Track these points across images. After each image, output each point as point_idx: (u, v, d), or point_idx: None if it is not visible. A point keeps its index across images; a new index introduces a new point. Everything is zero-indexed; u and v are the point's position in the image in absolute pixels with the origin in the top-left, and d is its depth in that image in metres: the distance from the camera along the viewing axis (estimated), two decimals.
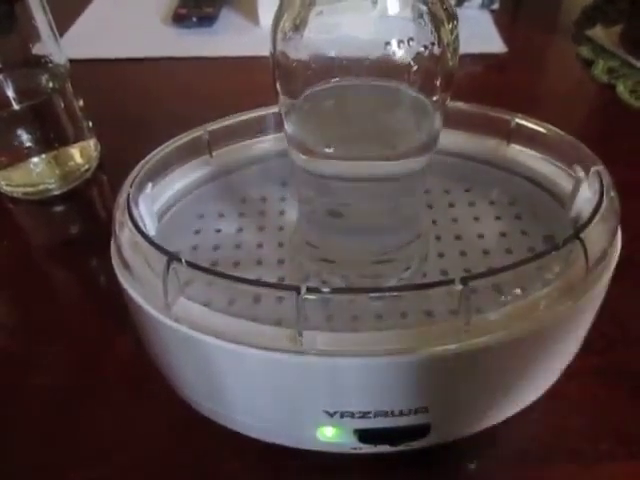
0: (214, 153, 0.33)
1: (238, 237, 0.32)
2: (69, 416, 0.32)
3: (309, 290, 0.22)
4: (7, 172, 0.46)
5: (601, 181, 0.27)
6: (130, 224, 0.26)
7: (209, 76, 0.63)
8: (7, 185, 0.47)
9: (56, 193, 0.47)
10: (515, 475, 0.30)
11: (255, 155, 0.34)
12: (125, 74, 0.64)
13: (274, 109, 0.32)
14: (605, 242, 0.25)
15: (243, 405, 0.27)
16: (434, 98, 0.24)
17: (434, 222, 0.32)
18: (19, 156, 0.46)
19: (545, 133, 0.31)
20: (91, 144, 0.49)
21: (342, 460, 0.29)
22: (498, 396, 0.27)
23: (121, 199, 0.28)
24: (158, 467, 0.30)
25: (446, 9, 0.22)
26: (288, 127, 0.26)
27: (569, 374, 0.29)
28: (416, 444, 0.27)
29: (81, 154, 0.48)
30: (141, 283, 0.25)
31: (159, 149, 0.31)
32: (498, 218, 0.32)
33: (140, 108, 0.58)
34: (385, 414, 0.25)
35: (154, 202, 0.30)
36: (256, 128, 0.34)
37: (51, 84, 0.46)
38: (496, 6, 0.72)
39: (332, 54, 0.22)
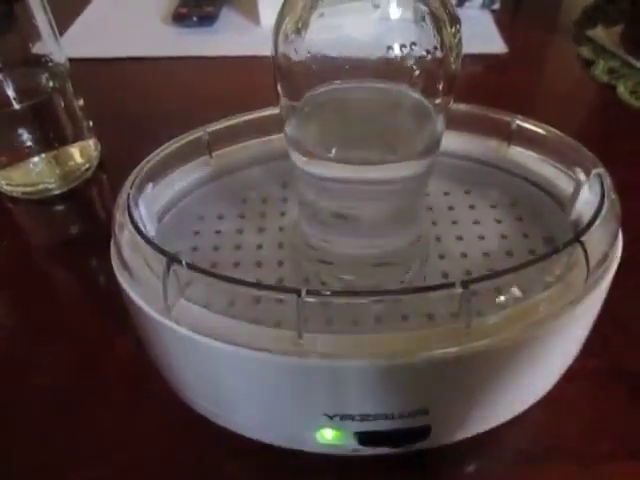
0: (214, 154, 0.33)
1: (238, 238, 0.32)
2: (69, 416, 0.32)
3: (309, 293, 0.22)
4: (7, 171, 0.46)
5: (602, 184, 0.27)
6: (130, 225, 0.26)
7: (209, 76, 0.63)
8: (7, 185, 0.46)
9: (56, 193, 0.47)
10: (515, 476, 0.30)
11: (255, 156, 0.34)
12: (125, 73, 0.64)
13: (274, 110, 0.32)
14: (606, 245, 0.25)
15: (243, 407, 0.27)
16: (436, 101, 0.24)
17: (434, 223, 0.32)
18: (19, 155, 0.46)
19: (546, 135, 0.31)
20: (91, 144, 0.49)
21: (342, 461, 0.29)
22: (498, 398, 0.27)
23: (121, 200, 0.28)
24: (158, 467, 0.30)
25: (449, 12, 0.22)
26: (289, 129, 0.26)
27: (569, 375, 0.29)
28: (416, 446, 0.27)
29: (81, 154, 0.48)
30: (141, 284, 0.25)
31: (159, 150, 0.31)
32: (498, 220, 0.32)
33: (140, 107, 0.58)
34: (385, 417, 0.25)
35: (154, 203, 0.30)
36: (256, 129, 0.34)
37: (51, 83, 0.45)
38: (497, 6, 0.72)
39: (333, 56, 0.22)
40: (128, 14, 0.75)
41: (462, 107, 0.32)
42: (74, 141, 0.48)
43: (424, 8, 0.22)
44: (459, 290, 0.22)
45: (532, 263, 0.23)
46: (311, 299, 0.22)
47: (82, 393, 0.33)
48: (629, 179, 0.29)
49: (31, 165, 0.46)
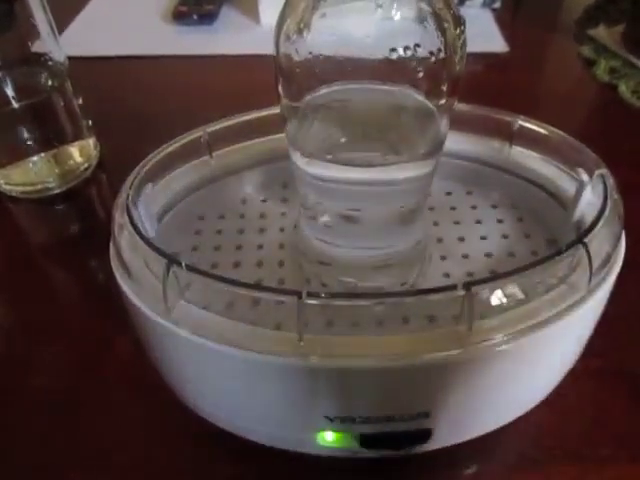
0: (214, 154, 0.33)
1: (238, 238, 0.32)
2: (69, 416, 0.32)
3: (310, 295, 0.22)
4: (6, 171, 0.46)
5: (605, 184, 0.27)
6: (129, 226, 0.26)
7: (209, 74, 0.63)
8: (6, 184, 0.46)
9: (55, 192, 0.47)
10: (516, 479, 0.29)
11: (256, 156, 0.34)
12: (125, 72, 0.64)
13: (275, 109, 0.32)
14: (609, 246, 0.25)
15: (243, 409, 0.27)
16: (440, 103, 0.24)
17: (436, 224, 0.32)
18: (18, 155, 0.45)
19: (548, 135, 0.31)
20: (90, 143, 0.49)
21: (342, 463, 0.29)
22: (500, 401, 0.26)
23: (120, 200, 0.28)
24: (157, 468, 0.30)
25: (453, 13, 0.22)
26: (290, 130, 0.26)
27: (570, 376, 0.29)
28: (417, 449, 0.27)
29: (80, 153, 0.48)
30: (140, 286, 0.25)
31: (159, 150, 0.31)
32: (500, 220, 0.32)
33: (140, 106, 0.58)
34: (386, 419, 0.25)
35: (154, 203, 0.30)
36: (257, 129, 0.33)
37: (50, 82, 0.45)
38: (498, 5, 0.72)
39: (335, 57, 0.22)
40: (128, 12, 0.75)
41: (463, 107, 0.32)
42: (73, 140, 0.47)
43: (427, 8, 0.22)
44: (461, 292, 0.22)
45: (535, 265, 0.23)
46: (312, 301, 0.22)
47: (82, 393, 0.33)
48: (630, 179, 0.29)
49: (30, 164, 0.46)
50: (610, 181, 0.27)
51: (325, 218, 0.28)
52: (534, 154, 0.32)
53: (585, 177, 0.28)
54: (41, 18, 0.43)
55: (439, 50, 0.22)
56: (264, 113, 0.33)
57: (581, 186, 0.28)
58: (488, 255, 0.30)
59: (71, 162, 0.47)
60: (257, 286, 0.24)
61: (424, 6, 0.22)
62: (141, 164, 0.30)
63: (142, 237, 0.25)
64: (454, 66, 0.23)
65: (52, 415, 0.32)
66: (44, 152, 0.46)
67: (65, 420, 0.32)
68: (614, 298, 0.26)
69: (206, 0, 0.71)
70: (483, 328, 0.23)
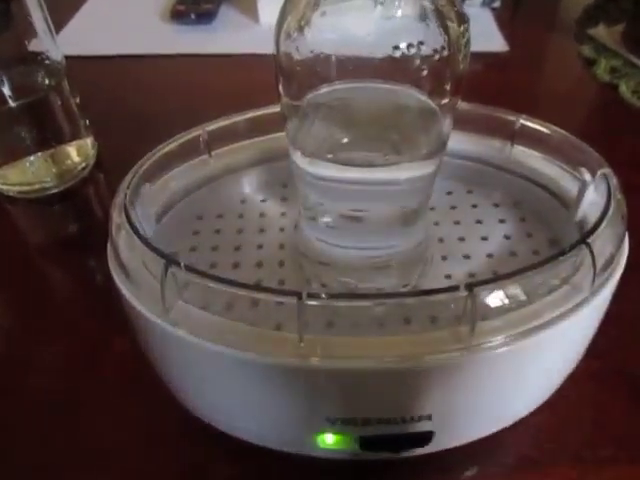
0: (213, 153, 0.33)
1: (238, 238, 0.32)
2: (68, 416, 0.32)
3: (310, 295, 0.22)
4: (3, 170, 0.45)
5: (608, 184, 0.27)
6: (127, 226, 0.26)
7: (208, 74, 0.63)
8: (3, 184, 0.46)
9: (52, 192, 0.46)
10: None
11: (255, 155, 0.34)
12: (123, 71, 0.63)
13: (274, 108, 0.32)
14: (612, 247, 0.25)
15: (242, 410, 0.27)
16: (442, 102, 0.23)
17: (437, 224, 0.32)
18: (15, 154, 0.45)
19: (550, 134, 0.31)
20: (88, 142, 0.49)
21: (342, 465, 0.29)
22: (503, 403, 0.26)
23: (118, 200, 0.28)
24: (156, 468, 0.30)
25: (456, 10, 0.22)
26: (290, 129, 0.26)
27: (571, 378, 0.29)
28: (418, 451, 0.27)
29: (78, 152, 0.48)
30: (138, 286, 0.25)
31: (157, 149, 0.31)
32: (502, 220, 0.32)
33: (138, 105, 0.57)
34: (387, 421, 0.25)
35: (152, 203, 0.30)
36: (256, 127, 0.33)
37: (47, 81, 0.45)
38: (497, 4, 0.72)
39: (337, 56, 0.22)
40: (125, 11, 0.74)
41: (464, 106, 0.31)
42: (71, 140, 0.47)
43: (430, 5, 0.21)
44: (464, 293, 0.22)
45: (538, 265, 0.23)
46: (312, 302, 0.22)
47: (81, 394, 0.33)
48: (631, 180, 0.28)
49: (27, 164, 0.45)
50: (613, 181, 0.27)
51: (326, 218, 0.27)
52: (536, 153, 0.32)
53: (588, 177, 0.28)
54: (38, 17, 0.43)
55: (442, 48, 0.22)
56: (263, 112, 0.33)
57: (584, 186, 0.28)
58: (489, 255, 0.30)
59: (68, 162, 0.47)
60: (257, 287, 0.24)
61: (426, 3, 0.22)
62: (139, 163, 0.30)
63: (140, 237, 0.25)
64: (458, 64, 0.23)
65: (52, 415, 0.32)
66: (41, 152, 0.46)
67: (65, 420, 0.32)
68: (614, 299, 0.26)
69: None
70: (485, 329, 0.23)
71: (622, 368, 0.33)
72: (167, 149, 0.31)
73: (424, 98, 0.23)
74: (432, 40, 0.21)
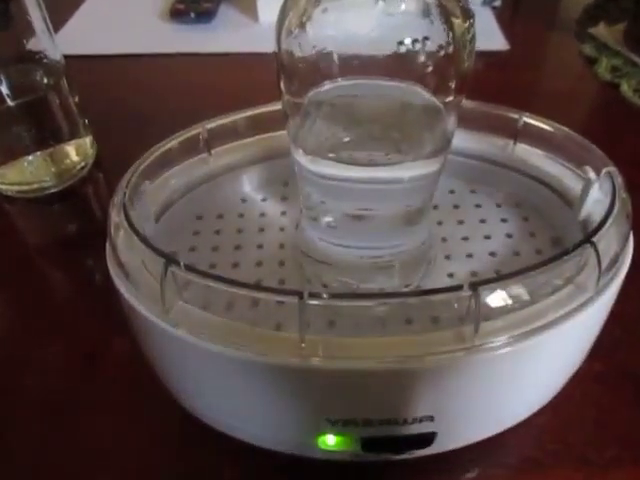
0: (213, 151, 0.33)
1: (238, 238, 0.32)
2: (68, 417, 0.32)
3: (312, 295, 0.22)
4: (1, 170, 0.45)
5: (613, 182, 0.27)
6: (126, 225, 0.26)
7: (207, 72, 0.63)
8: (1, 183, 0.46)
9: (51, 191, 0.46)
10: None
11: (255, 154, 0.34)
12: (122, 70, 0.63)
13: (275, 106, 0.32)
14: (617, 246, 0.25)
15: (242, 411, 0.26)
16: (447, 100, 0.23)
17: (439, 223, 0.32)
18: (14, 154, 0.45)
19: (554, 132, 0.30)
20: (87, 141, 0.49)
21: (342, 466, 0.29)
22: (506, 403, 0.26)
23: (117, 199, 0.27)
24: (156, 468, 0.30)
25: (461, 6, 0.22)
26: (292, 127, 0.25)
27: (574, 378, 0.28)
28: (420, 452, 0.27)
29: (77, 151, 0.48)
30: (138, 286, 0.25)
31: (156, 147, 0.30)
32: (504, 219, 0.32)
33: (137, 105, 0.57)
34: (389, 422, 0.25)
35: (151, 202, 0.30)
36: (256, 126, 0.33)
37: (46, 80, 0.45)
38: (498, 3, 0.72)
39: (338, 53, 0.22)
40: (125, 10, 0.74)
41: (467, 104, 0.31)
42: (70, 139, 0.47)
43: (433, 1, 0.21)
44: (468, 293, 0.22)
45: (543, 265, 0.23)
46: (314, 301, 0.22)
47: (80, 394, 0.33)
48: (632, 179, 0.28)
49: (26, 163, 0.45)
50: (618, 179, 0.27)
51: (328, 218, 0.27)
52: (539, 152, 0.32)
53: (592, 175, 0.28)
54: (37, 16, 0.43)
55: (447, 44, 0.21)
56: (264, 109, 0.33)
57: (588, 184, 0.28)
58: (492, 254, 0.30)
59: (67, 161, 0.47)
60: (257, 286, 0.23)
61: None
62: (138, 162, 0.30)
63: (139, 236, 0.25)
64: (462, 61, 0.22)
65: (51, 415, 0.32)
66: (40, 151, 0.45)
67: (65, 420, 0.32)
68: (618, 299, 0.26)
69: None
70: (488, 330, 0.23)
71: (626, 369, 0.33)
72: (166, 147, 0.31)
73: (428, 96, 0.23)
74: (436, 36, 0.21)
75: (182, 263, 0.23)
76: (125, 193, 0.27)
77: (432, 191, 0.27)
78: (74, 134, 0.47)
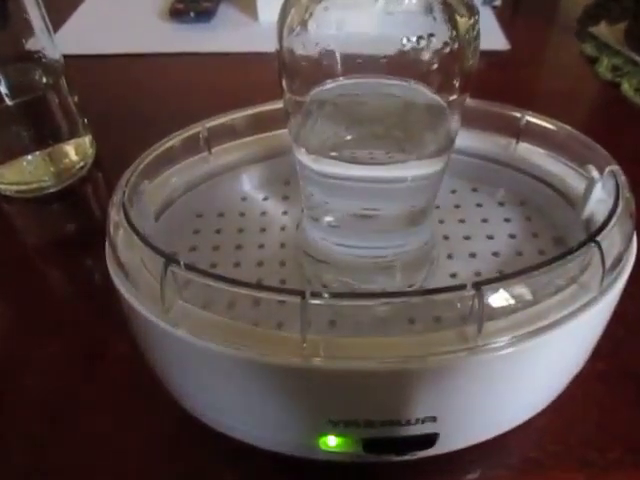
0: (213, 150, 0.33)
1: (238, 237, 0.31)
2: (68, 417, 0.32)
3: (314, 295, 0.21)
4: (0, 169, 0.45)
5: (616, 181, 0.26)
6: (126, 224, 0.26)
7: (207, 72, 0.63)
8: (0, 183, 0.46)
9: (50, 191, 0.46)
10: None
11: (256, 152, 0.33)
12: (121, 70, 0.63)
13: (276, 104, 0.32)
14: (621, 245, 0.25)
15: (243, 412, 0.26)
16: (451, 98, 0.23)
17: (441, 222, 0.32)
18: (12, 153, 0.45)
19: (556, 131, 0.30)
20: (86, 141, 0.49)
21: (342, 467, 0.29)
22: (508, 404, 0.26)
23: (116, 198, 0.27)
24: (156, 469, 0.30)
25: (465, 2, 0.22)
26: (294, 125, 0.25)
27: (576, 379, 0.28)
28: (422, 453, 0.27)
29: (76, 151, 0.47)
30: (137, 286, 0.25)
31: (156, 146, 0.30)
32: (507, 219, 0.32)
33: (137, 104, 0.57)
34: (391, 423, 0.24)
35: (151, 201, 0.29)
36: (257, 124, 0.33)
37: (45, 80, 0.45)
38: (498, 3, 0.72)
39: (341, 51, 0.21)
40: (124, 10, 0.74)
41: (469, 102, 0.31)
42: (69, 138, 0.47)
43: None
44: (471, 292, 0.22)
45: (547, 264, 0.23)
46: (315, 301, 0.22)
47: (80, 394, 0.33)
48: (634, 178, 0.28)
49: (25, 163, 0.45)
50: (622, 178, 0.27)
51: (330, 218, 0.27)
52: (541, 150, 0.31)
53: (595, 174, 0.28)
54: (35, 15, 0.43)
55: (451, 41, 0.21)
56: (264, 108, 0.32)
57: (591, 183, 0.28)
58: (495, 254, 0.30)
59: (67, 160, 0.47)
60: (259, 286, 0.23)
61: None
62: (138, 161, 0.29)
63: (139, 235, 0.25)
64: (467, 59, 0.22)
65: (51, 415, 0.32)
66: (39, 150, 0.45)
67: (64, 420, 0.31)
68: (621, 298, 0.26)
69: None
70: (491, 330, 0.22)
71: (629, 369, 0.33)
72: (166, 146, 0.30)
73: (432, 94, 0.23)
74: (440, 34, 0.21)
75: (182, 262, 0.23)
76: (125, 192, 0.27)
77: (435, 191, 0.27)
78: (73, 134, 0.47)
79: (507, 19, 0.70)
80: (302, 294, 0.21)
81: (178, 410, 0.29)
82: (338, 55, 0.22)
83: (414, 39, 0.21)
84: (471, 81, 0.23)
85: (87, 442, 0.31)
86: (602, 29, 0.65)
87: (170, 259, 0.23)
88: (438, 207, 0.32)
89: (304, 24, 0.22)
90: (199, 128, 0.32)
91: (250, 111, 0.33)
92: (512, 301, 0.23)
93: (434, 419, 0.24)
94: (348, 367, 0.22)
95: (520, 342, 0.22)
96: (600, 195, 0.28)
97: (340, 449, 0.26)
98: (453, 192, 0.33)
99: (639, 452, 0.29)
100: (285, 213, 0.33)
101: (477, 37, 0.22)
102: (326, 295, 0.22)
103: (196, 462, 0.30)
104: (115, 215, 0.26)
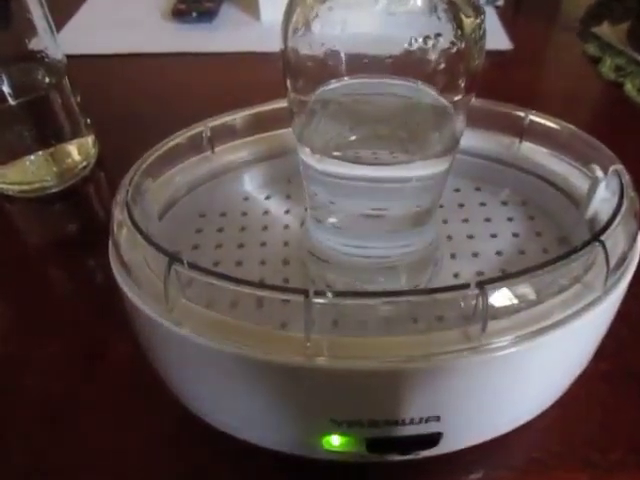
0: (216, 149, 0.33)
1: (241, 236, 0.31)
2: (68, 417, 0.32)
3: (317, 294, 0.21)
4: (3, 169, 0.45)
5: (620, 181, 0.26)
6: (129, 223, 0.26)
7: (209, 72, 0.63)
8: (2, 183, 0.46)
9: (53, 191, 0.46)
10: None
11: (259, 152, 0.33)
12: (124, 70, 0.63)
13: (279, 104, 0.32)
14: (625, 245, 0.25)
15: (246, 411, 0.26)
16: (456, 99, 0.23)
17: (444, 222, 0.32)
18: (15, 153, 0.45)
19: (560, 130, 0.30)
20: (89, 141, 0.49)
21: (344, 466, 0.29)
22: (512, 404, 0.26)
23: (119, 197, 0.27)
24: (157, 469, 0.30)
25: (471, 2, 0.21)
26: (298, 125, 0.25)
27: (579, 379, 0.28)
28: (425, 453, 0.27)
29: (79, 151, 0.47)
30: (140, 285, 0.24)
31: (159, 145, 0.30)
32: (510, 218, 0.32)
33: (139, 104, 0.57)
34: (395, 423, 0.24)
35: (154, 200, 0.29)
36: (260, 124, 0.33)
37: (47, 79, 0.45)
38: (500, 2, 0.72)
39: (346, 51, 0.21)
40: (127, 10, 0.74)
41: (472, 102, 0.31)
42: (71, 138, 0.47)
43: None
44: (474, 291, 0.22)
45: (551, 263, 0.23)
46: (319, 300, 0.21)
47: (81, 394, 0.33)
48: (637, 178, 0.28)
49: (27, 163, 0.45)
50: (626, 177, 0.27)
51: (334, 219, 0.27)
52: (545, 150, 0.31)
53: (599, 173, 0.28)
54: (38, 15, 0.43)
55: (456, 41, 0.21)
56: (267, 107, 0.32)
57: (595, 183, 0.28)
58: (498, 253, 0.30)
59: (69, 160, 0.47)
60: (262, 284, 0.23)
61: None
62: (141, 160, 0.29)
63: (142, 234, 0.25)
64: (473, 59, 0.22)
65: (51, 415, 0.32)
66: (42, 150, 0.45)
67: (65, 420, 0.31)
68: (624, 298, 0.26)
69: None
70: (495, 329, 0.22)
71: (632, 369, 0.33)
72: (169, 145, 0.30)
73: (437, 95, 0.23)
74: (445, 33, 0.21)
75: (185, 261, 0.23)
76: (128, 191, 0.27)
77: (441, 191, 0.27)
78: (76, 133, 0.47)
79: (510, 19, 0.70)
80: (306, 293, 0.21)
81: (178, 410, 0.29)
82: (343, 55, 0.22)
83: (421, 39, 0.21)
84: (477, 81, 0.23)
85: (87, 442, 0.31)
86: (605, 29, 0.65)
87: (173, 258, 0.23)
88: (442, 206, 0.32)
89: (309, 24, 0.22)
90: (202, 127, 0.32)
91: (253, 110, 0.32)
92: (515, 300, 0.23)
93: (438, 418, 0.24)
94: (352, 366, 0.22)
95: (523, 342, 0.22)
96: (604, 194, 0.28)
97: (343, 449, 0.26)
98: (457, 191, 0.33)
99: None
100: (288, 212, 0.33)
101: (483, 37, 0.22)
102: (330, 294, 0.22)
103: (196, 462, 0.30)
104: (118, 214, 0.26)
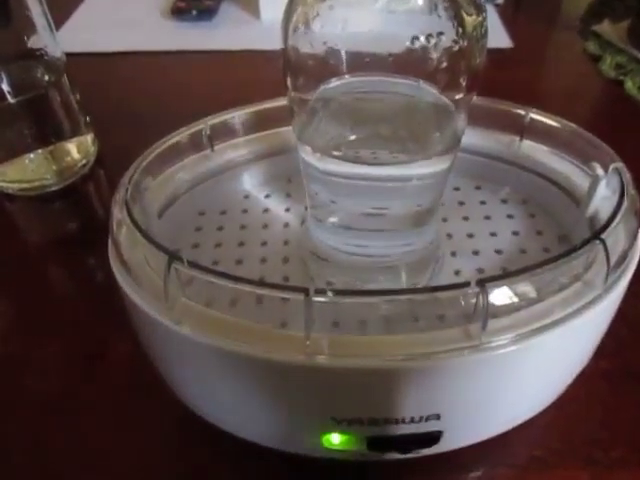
0: (216, 147, 0.33)
1: (241, 235, 0.31)
2: (68, 417, 0.32)
3: (318, 292, 0.21)
4: (2, 167, 0.45)
5: (621, 179, 0.26)
6: (129, 221, 0.25)
7: (209, 70, 0.62)
8: (2, 181, 0.46)
9: (53, 189, 0.46)
10: None
11: (259, 150, 0.33)
12: (123, 68, 0.63)
13: (277, 102, 0.32)
14: (626, 243, 0.24)
15: (246, 410, 0.26)
16: (457, 97, 0.23)
17: (445, 220, 0.32)
18: (14, 151, 0.45)
19: (561, 128, 0.30)
20: (88, 139, 0.49)
21: (344, 465, 0.29)
22: (512, 402, 0.26)
23: (119, 195, 0.27)
24: (157, 469, 0.30)
25: (474, 1, 0.21)
26: (298, 123, 0.25)
27: (579, 377, 0.28)
28: (425, 451, 0.27)
29: (78, 149, 0.47)
30: (140, 283, 0.24)
31: (159, 143, 0.30)
32: (510, 216, 0.32)
33: (139, 102, 0.57)
34: (395, 421, 0.24)
35: (153, 198, 0.29)
36: (259, 122, 0.33)
37: (47, 77, 0.45)
38: (500, 0, 0.72)
39: (347, 49, 0.21)
40: (126, 8, 0.74)
41: (473, 100, 0.31)
42: (71, 136, 0.47)
43: None
44: (475, 290, 0.21)
45: (551, 261, 0.22)
46: (319, 298, 0.21)
47: (81, 394, 0.33)
48: (637, 176, 0.28)
49: (27, 161, 0.45)
50: (627, 175, 0.27)
51: (336, 218, 0.27)
52: (545, 148, 0.31)
53: (600, 171, 0.28)
54: (37, 12, 0.42)
55: (458, 40, 0.21)
56: (267, 106, 0.32)
57: (595, 181, 0.28)
58: (498, 252, 0.30)
59: (69, 158, 0.47)
60: (262, 283, 0.23)
61: None
62: (140, 158, 0.29)
63: (142, 233, 0.25)
64: (474, 57, 0.22)
65: (51, 415, 0.32)
66: (41, 148, 0.45)
67: (65, 420, 0.31)
68: (624, 297, 0.26)
69: None
70: (495, 327, 0.22)
71: (632, 367, 0.33)
72: (169, 143, 0.30)
73: (438, 93, 0.23)
74: (446, 32, 0.21)
75: (185, 259, 0.23)
76: (127, 189, 0.27)
77: (442, 190, 0.27)
78: (75, 131, 0.47)
79: (510, 17, 0.70)
80: (306, 291, 0.21)
81: (178, 410, 0.29)
82: (344, 53, 0.22)
83: (422, 38, 0.21)
84: (478, 80, 0.23)
85: (87, 442, 0.30)
86: (605, 27, 0.65)
87: (173, 256, 0.23)
88: (443, 204, 0.32)
89: (310, 22, 0.22)
90: (201, 126, 0.32)
91: (252, 109, 0.32)
92: (516, 299, 0.23)
93: (438, 417, 0.24)
94: (352, 365, 0.22)
95: (524, 340, 0.22)
96: (604, 192, 0.28)
97: (343, 447, 0.26)
98: (457, 189, 0.33)
99: None
100: (288, 210, 0.33)
101: (485, 35, 0.22)
102: (330, 293, 0.22)
103: (196, 462, 0.30)
104: (118, 212, 0.26)
